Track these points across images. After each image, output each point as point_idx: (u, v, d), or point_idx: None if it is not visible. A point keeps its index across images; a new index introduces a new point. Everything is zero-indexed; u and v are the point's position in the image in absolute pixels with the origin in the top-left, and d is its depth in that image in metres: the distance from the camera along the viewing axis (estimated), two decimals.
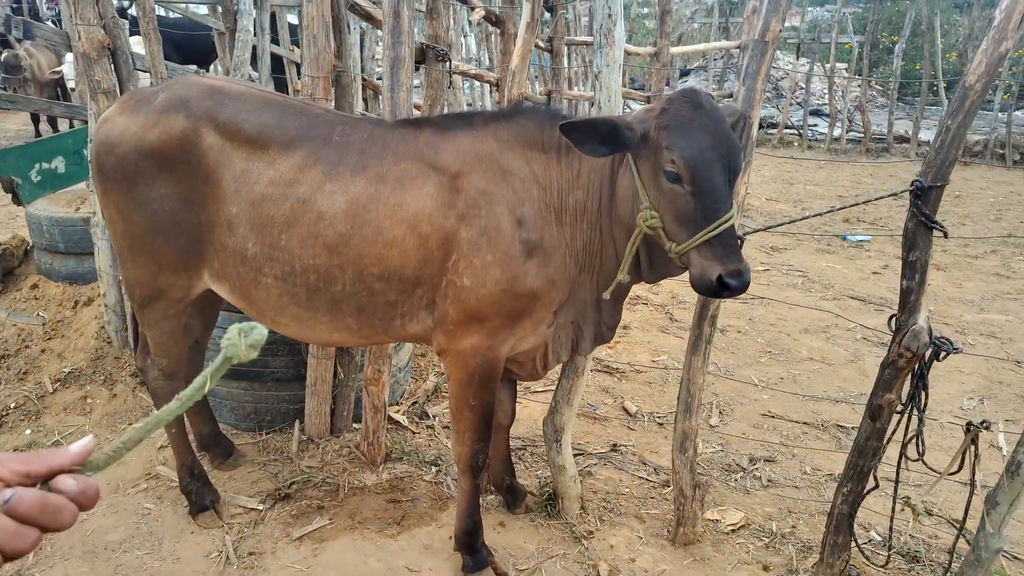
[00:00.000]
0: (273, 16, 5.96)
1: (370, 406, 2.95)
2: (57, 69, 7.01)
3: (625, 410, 3.77)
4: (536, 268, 2.03)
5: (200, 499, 2.72)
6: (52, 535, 2.64)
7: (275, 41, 6.36)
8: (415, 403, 3.58)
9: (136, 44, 3.97)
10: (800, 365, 4.42)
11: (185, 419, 2.86)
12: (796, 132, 14.19)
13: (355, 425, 3.28)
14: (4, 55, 7.30)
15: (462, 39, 5.11)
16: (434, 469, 3.08)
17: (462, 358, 2.14)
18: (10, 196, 3.77)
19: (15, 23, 3.56)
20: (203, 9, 6.44)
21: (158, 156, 2.08)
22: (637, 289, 5.50)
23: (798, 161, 11.68)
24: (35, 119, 8.90)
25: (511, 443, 3.35)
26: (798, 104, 15.30)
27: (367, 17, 2.81)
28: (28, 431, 3.24)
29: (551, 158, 2.04)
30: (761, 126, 13.94)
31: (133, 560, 2.53)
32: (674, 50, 6.38)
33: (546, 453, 2.84)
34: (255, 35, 4.27)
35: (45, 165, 3.84)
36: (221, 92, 2.13)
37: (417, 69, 2.81)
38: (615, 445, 3.39)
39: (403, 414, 3.47)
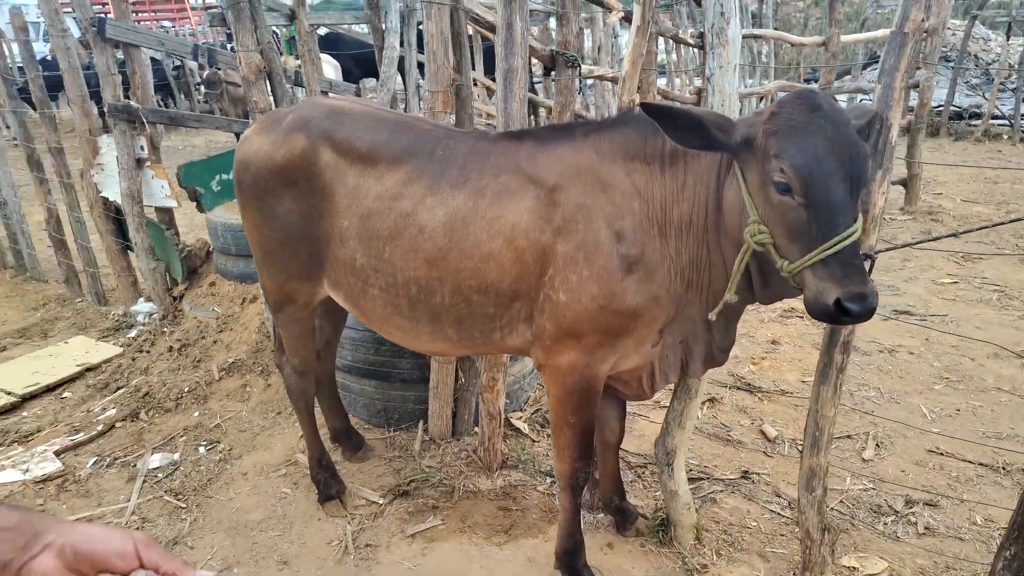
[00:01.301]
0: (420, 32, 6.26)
1: (485, 413, 2.98)
2: None
3: (763, 434, 3.49)
4: (636, 284, 1.93)
5: (327, 489, 2.91)
6: (206, 508, 2.96)
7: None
8: (537, 411, 3.57)
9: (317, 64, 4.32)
10: (983, 396, 3.83)
11: (319, 413, 3.08)
12: (1007, 123, 12.35)
13: (475, 429, 3.34)
14: (207, 73, 8.44)
15: (612, 40, 5.02)
16: (548, 480, 3.05)
17: (560, 374, 2.09)
18: (195, 204, 4.28)
19: (201, 50, 4.04)
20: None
21: (283, 173, 2.24)
22: (791, 301, 5.08)
23: (1007, 157, 10.17)
24: (239, 136, 10.20)
25: (632, 460, 3.24)
26: (1011, 91, 13.32)
27: (490, 28, 2.84)
28: (196, 413, 3.66)
29: (654, 169, 1.92)
30: (961, 116, 12.30)
31: (266, 540, 2.77)
32: (846, 38, 5.80)
33: (658, 477, 2.70)
34: (403, 49, 4.49)
35: (224, 176, 4.32)
36: (339, 112, 2.25)
37: (548, 75, 2.80)
38: (746, 472, 3.15)
39: (525, 421, 3.47)
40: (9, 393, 3.95)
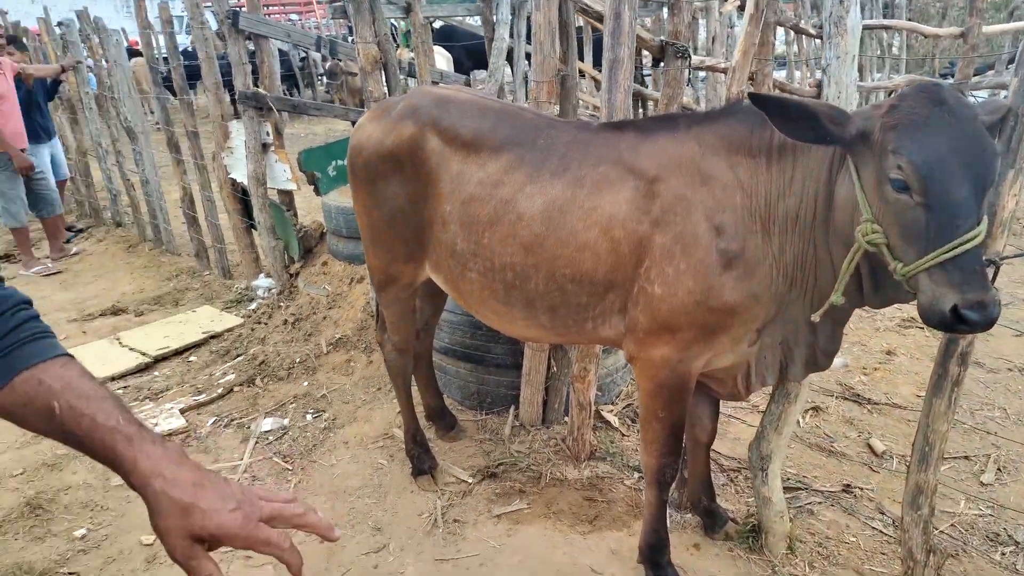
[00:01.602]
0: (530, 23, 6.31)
1: (576, 403, 3.00)
2: None
3: (870, 448, 3.31)
4: (734, 280, 1.89)
5: (420, 463, 3.03)
6: (310, 471, 3.16)
7: None
8: (629, 405, 3.55)
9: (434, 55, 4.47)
10: None
11: (416, 391, 3.20)
12: None
13: (565, 418, 3.36)
14: (329, 63, 8.86)
15: (727, 30, 4.87)
16: (636, 475, 3.03)
17: (651, 368, 2.08)
18: (312, 188, 4.53)
19: (323, 42, 4.27)
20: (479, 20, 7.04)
21: (392, 158, 2.35)
22: (911, 309, 4.75)
23: None
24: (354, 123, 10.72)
25: (724, 462, 3.16)
26: None
27: (599, 18, 2.83)
28: (305, 383, 3.90)
29: (759, 163, 1.87)
30: None
31: (362, 506, 2.92)
32: (989, 29, 5.33)
33: (751, 482, 2.63)
34: (512, 40, 4.55)
35: (339, 162, 4.54)
36: (447, 100, 2.33)
37: (656, 66, 2.76)
38: (848, 486, 3.00)
39: (615, 415, 3.46)
40: (143, 354, 4.35)
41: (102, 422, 0.88)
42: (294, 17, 24.02)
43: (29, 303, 0.96)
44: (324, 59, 14.71)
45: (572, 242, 2.03)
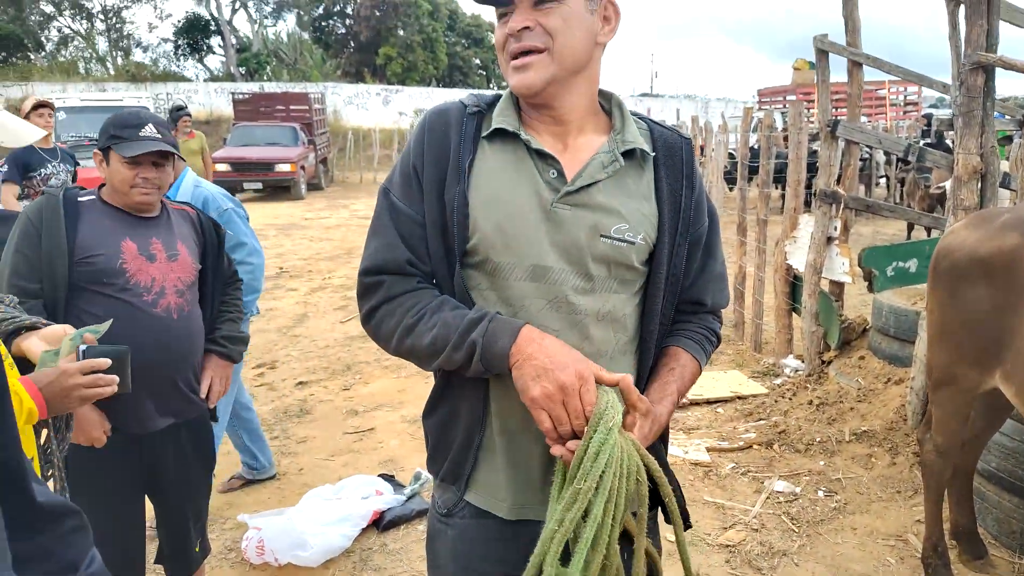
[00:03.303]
0: None
1: None
2: (941, 185, 7.89)
3: None
4: None
5: (935, 574, 2.93)
6: (814, 539, 3.36)
7: None
8: None
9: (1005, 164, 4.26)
10: None
11: (946, 503, 3.09)
12: None
13: None
14: (911, 169, 8.68)
15: None
16: None
17: None
18: (866, 284, 4.71)
19: (912, 149, 4.43)
20: None
21: (985, 265, 2.45)
22: None
23: None
24: (909, 226, 10.19)
25: None
26: None
27: None
28: (821, 462, 4.08)
29: None
30: None
31: None
32: None
33: None
34: None
35: (900, 264, 4.62)
36: None
37: None
38: None
39: None
40: None
41: None
42: (863, 119, 23.79)
43: None
44: (887, 161, 14.34)
45: None
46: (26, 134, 1.72)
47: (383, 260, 1.30)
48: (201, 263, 2.27)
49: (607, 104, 1.40)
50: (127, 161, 2.04)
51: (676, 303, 1.41)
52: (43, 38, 38.06)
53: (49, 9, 38.14)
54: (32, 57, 35.60)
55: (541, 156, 1.28)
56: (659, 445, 1.38)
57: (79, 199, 2.11)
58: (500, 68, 1.33)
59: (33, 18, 37.30)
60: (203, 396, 2.28)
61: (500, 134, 1.30)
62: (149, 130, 2.05)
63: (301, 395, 5.36)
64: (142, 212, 2.16)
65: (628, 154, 1.32)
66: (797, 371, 5.39)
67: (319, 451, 4.42)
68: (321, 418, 4.94)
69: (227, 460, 3.97)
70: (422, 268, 1.32)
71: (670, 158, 1.35)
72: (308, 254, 11.09)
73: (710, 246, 1.44)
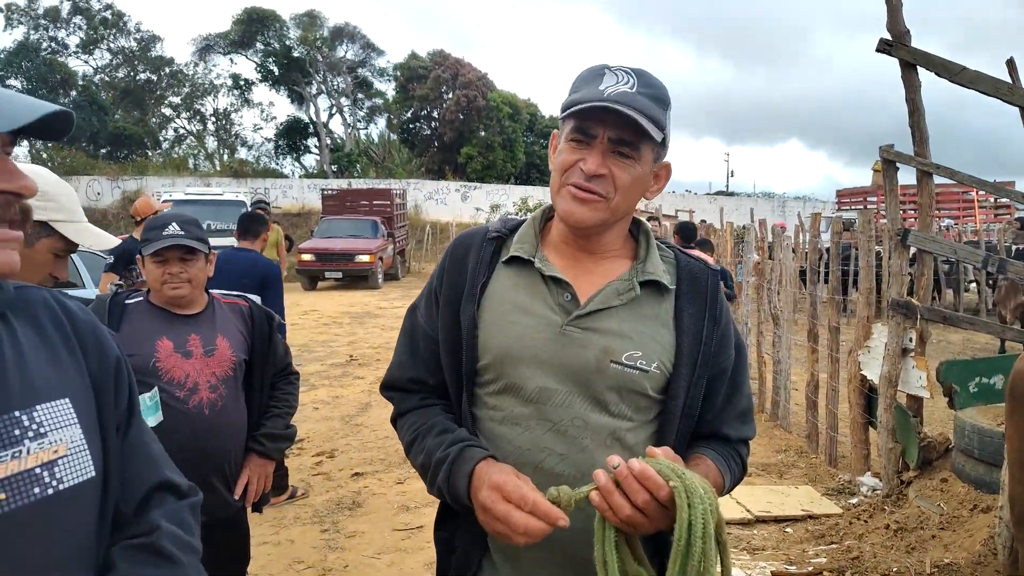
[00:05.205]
0: None
1: None
2: None
3: None
4: None
5: None
6: None
7: None
8: None
9: None
10: None
11: None
12: None
13: None
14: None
15: None
16: None
17: None
18: (946, 400, 4.41)
19: (992, 260, 4.22)
20: None
21: None
22: None
23: None
24: (1002, 340, 9.53)
25: None
26: None
27: None
28: None
29: None
30: None
31: None
32: None
33: None
34: None
35: (984, 380, 4.32)
36: None
37: None
38: None
39: None
40: (748, 510, 4.90)
41: None
42: (948, 222, 22.98)
43: None
44: (984, 271, 13.66)
45: None
46: (108, 240, 1.90)
47: (392, 378, 1.40)
48: (249, 355, 2.35)
49: (635, 231, 1.43)
50: (153, 259, 2.17)
51: (695, 435, 1.37)
52: (160, 137, 42.11)
53: (168, 112, 42.33)
54: (149, 154, 39.29)
55: (556, 281, 1.32)
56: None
57: (127, 301, 2.24)
58: (551, 182, 1.34)
59: (154, 120, 41.44)
60: (237, 496, 2.29)
61: (517, 259, 1.35)
62: (172, 228, 2.18)
63: (356, 487, 5.38)
64: (180, 307, 2.24)
65: (647, 283, 1.33)
66: (874, 491, 5.01)
67: (367, 547, 4.38)
68: (372, 512, 4.92)
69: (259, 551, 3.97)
70: (430, 384, 1.37)
71: (693, 289, 1.35)
72: (379, 342, 11.37)
73: (736, 380, 1.40)
